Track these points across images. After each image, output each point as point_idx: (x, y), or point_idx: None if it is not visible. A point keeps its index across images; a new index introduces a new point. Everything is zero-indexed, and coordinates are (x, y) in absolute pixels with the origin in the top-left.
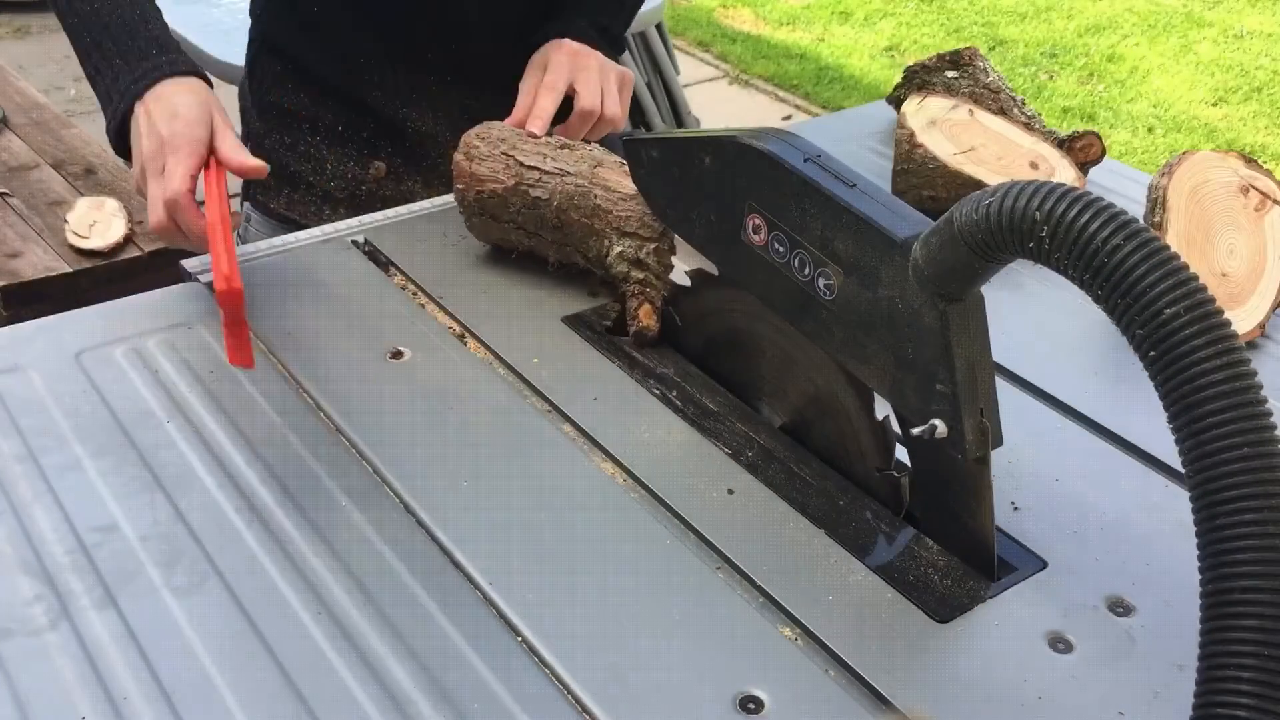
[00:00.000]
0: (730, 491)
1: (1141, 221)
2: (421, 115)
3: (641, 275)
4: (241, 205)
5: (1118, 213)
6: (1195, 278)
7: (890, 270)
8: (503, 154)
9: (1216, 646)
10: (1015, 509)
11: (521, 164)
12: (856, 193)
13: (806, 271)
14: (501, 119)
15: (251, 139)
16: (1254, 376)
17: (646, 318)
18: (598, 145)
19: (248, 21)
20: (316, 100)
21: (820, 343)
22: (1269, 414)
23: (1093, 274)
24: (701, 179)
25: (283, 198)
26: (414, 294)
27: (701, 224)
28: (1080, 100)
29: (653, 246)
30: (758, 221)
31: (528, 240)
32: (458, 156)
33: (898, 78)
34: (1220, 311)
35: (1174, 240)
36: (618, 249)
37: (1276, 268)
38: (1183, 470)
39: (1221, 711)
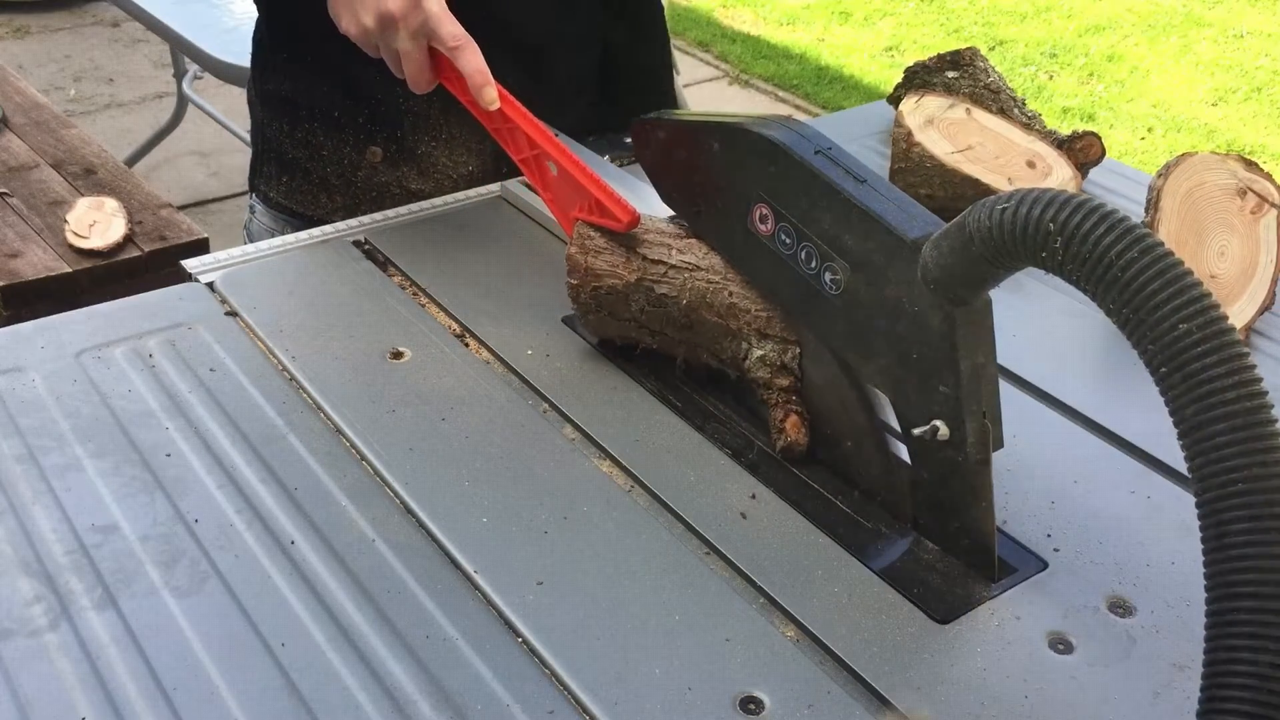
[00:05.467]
0: (744, 516)
1: (1154, 234)
2: (414, 95)
3: (786, 382)
4: (250, 197)
5: (1132, 226)
6: (1209, 294)
7: (898, 270)
8: (623, 246)
9: (1219, 666)
10: (1004, 524)
11: (645, 258)
12: (867, 189)
13: (813, 265)
14: None
15: (255, 128)
16: (1265, 396)
17: (795, 431)
18: None
19: (247, 21)
20: (314, 84)
21: (823, 337)
22: (1279, 434)
23: (1106, 287)
24: (709, 165)
25: (282, 185)
26: (414, 294)
27: (707, 210)
28: (1080, 100)
29: (797, 350)
30: (765, 211)
31: (651, 339)
32: (571, 249)
33: (898, 78)
34: (1233, 329)
35: (1163, 241)
36: (758, 353)
37: (1267, 271)
38: (1192, 489)
39: None
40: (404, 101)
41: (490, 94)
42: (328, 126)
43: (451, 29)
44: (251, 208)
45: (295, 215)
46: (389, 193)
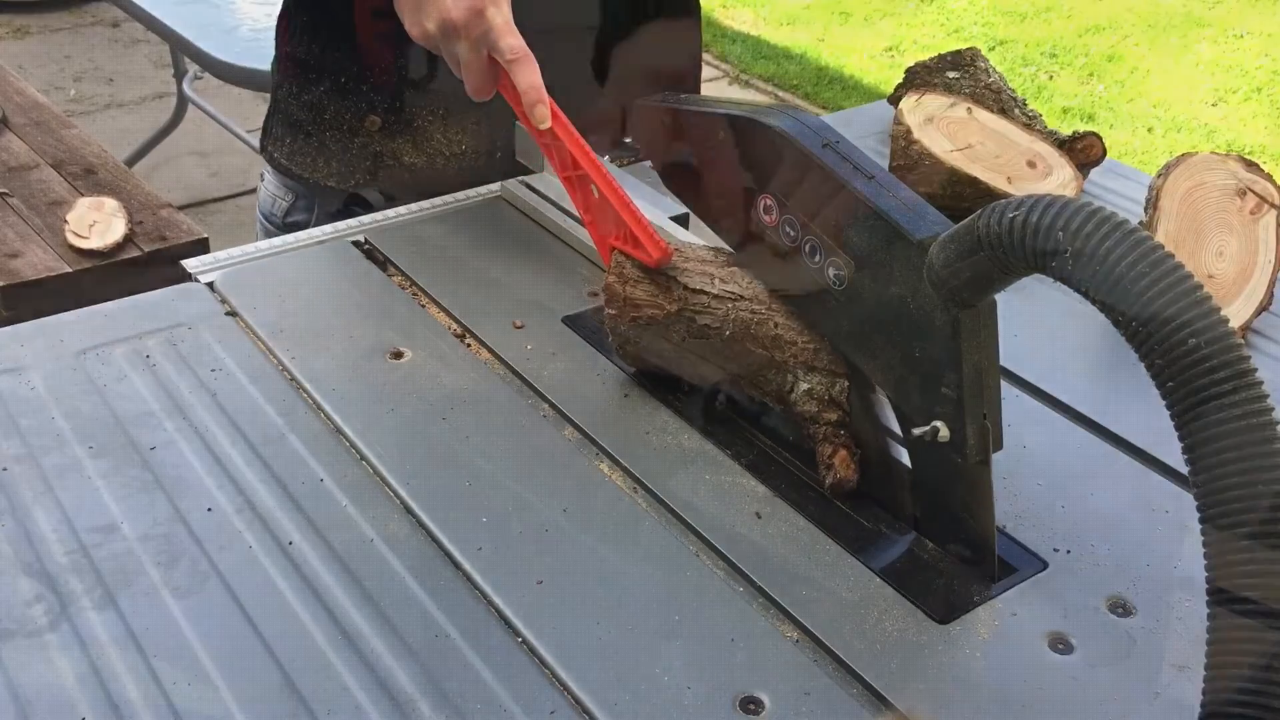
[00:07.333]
0: (759, 515)
1: (1164, 245)
2: (418, 68)
3: (835, 416)
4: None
5: (1144, 238)
6: (1218, 310)
7: (904, 269)
8: (663, 274)
9: (1220, 686)
10: (1005, 525)
11: (686, 287)
12: (875, 186)
13: (817, 259)
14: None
15: (272, 91)
16: (1271, 414)
17: (844, 467)
18: None
19: (248, 21)
20: (327, 48)
21: (826, 331)
22: None
23: (1115, 300)
24: (714, 152)
25: (285, 146)
26: (414, 294)
27: (710, 197)
28: (1080, 100)
29: (845, 383)
30: (769, 202)
31: (692, 371)
32: (609, 278)
33: (898, 78)
34: (1241, 345)
35: (1161, 241)
36: (804, 386)
37: (1265, 271)
38: (1195, 505)
39: None
40: (407, 73)
41: (542, 111)
42: (333, 91)
43: (511, 42)
44: (262, 174)
45: (294, 178)
46: (383, 164)
